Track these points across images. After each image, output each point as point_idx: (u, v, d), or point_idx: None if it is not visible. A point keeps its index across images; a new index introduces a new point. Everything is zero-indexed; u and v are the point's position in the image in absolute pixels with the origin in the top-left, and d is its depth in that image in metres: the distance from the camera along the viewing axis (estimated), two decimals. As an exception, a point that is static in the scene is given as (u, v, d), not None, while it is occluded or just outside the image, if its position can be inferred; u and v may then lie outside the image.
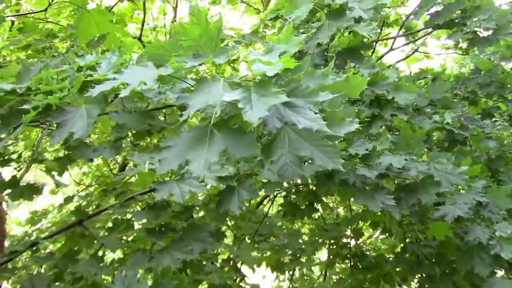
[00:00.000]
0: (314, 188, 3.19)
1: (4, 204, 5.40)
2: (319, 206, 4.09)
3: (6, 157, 2.62)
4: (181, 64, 1.35)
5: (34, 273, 3.69)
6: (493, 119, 4.41)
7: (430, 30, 4.51)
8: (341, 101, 1.34)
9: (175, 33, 1.45)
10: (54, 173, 2.63)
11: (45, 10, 2.87)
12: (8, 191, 2.62)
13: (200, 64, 1.45)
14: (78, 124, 1.47)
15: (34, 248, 3.25)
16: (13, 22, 4.32)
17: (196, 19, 1.43)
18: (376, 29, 2.84)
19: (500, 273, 3.10)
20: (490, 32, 3.49)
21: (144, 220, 2.79)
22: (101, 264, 2.79)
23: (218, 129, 1.31)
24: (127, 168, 5.59)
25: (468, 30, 3.37)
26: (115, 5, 3.74)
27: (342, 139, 2.05)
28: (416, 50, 6.16)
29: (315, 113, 1.22)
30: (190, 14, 1.43)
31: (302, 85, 1.25)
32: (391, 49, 5.93)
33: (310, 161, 1.93)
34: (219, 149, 1.26)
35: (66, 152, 2.61)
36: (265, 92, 1.19)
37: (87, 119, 1.48)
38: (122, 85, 1.39)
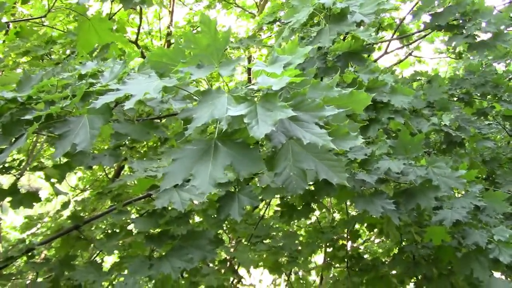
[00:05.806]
0: (312, 188, 3.18)
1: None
2: (315, 206, 4.09)
3: (6, 165, 2.60)
4: (187, 75, 1.34)
5: (29, 278, 3.66)
6: (487, 122, 4.44)
7: (424, 33, 4.53)
8: (345, 116, 1.34)
9: (185, 41, 1.43)
10: (53, 180, 2.60)
11: (44, 16, 2.84)
12: (8, 198, 2.59)
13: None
14: (81, 135, 1.44)
15: (30, 254, 3.22)
16: (8, 25, 4.28)
17: (206, 28, 1.42)
18: (374, 34, 2.83)
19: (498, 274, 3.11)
20: (489, 35, 3.50)
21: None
22: (99, 271, 2.76)
23: (223, 142, 1.29)
24: (122, 171, 5.56)
25: (468, 33, 3.37)
26: (116, 13, 3.71)
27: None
28: (410, 54, 6.18)
29: (321, 127, 1.21)
30: (201, 23, 1.41)
31: (307, 99, 1.24)
32: (386, 53, 5.96)
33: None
34: (224, 164, 1.25)
35: (65, 160, 2.59)
36: (271, 106, 1.18)
37: (91, 130, 1.45)
38: (125, 96, 1.37)
